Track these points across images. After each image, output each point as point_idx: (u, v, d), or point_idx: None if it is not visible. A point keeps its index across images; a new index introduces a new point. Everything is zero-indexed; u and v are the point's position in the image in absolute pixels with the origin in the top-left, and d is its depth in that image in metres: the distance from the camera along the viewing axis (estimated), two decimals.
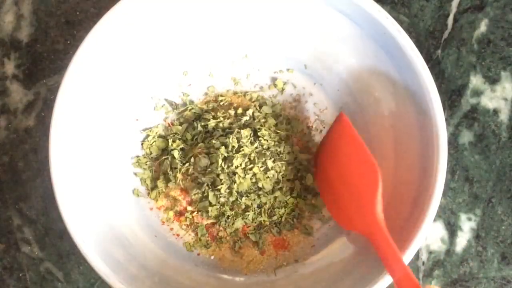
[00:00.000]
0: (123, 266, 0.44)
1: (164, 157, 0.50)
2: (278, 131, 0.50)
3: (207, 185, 0.49)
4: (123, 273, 0.43)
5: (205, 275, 0.49)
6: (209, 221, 0.50)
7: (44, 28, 0.54)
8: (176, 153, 0.49)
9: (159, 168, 0.51)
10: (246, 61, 0.53)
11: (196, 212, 0.50)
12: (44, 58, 0.54)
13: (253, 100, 0.53)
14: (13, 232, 0.53)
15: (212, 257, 0.50)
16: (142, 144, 0.51)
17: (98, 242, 0.43)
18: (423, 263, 0.52)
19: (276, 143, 0.49)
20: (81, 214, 0.43)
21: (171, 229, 0.51)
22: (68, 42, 0.54)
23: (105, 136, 0.48)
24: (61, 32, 0.55)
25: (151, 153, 0.51)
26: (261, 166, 0.48)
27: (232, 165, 0.47)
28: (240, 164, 0.48)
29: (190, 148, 0.50)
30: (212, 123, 0.50)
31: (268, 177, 0.48)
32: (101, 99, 0.47)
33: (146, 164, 0.51)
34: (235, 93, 0.53)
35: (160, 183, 0.50)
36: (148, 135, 0.51)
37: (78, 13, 0.55)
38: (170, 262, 0.48)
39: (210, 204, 0.49)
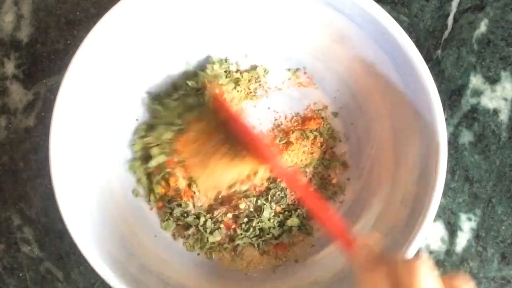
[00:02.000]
0: (123, 266, 0.44)
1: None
2: None
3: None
4: (123, 273, 0.43)
5: (205, 275, 0.49)
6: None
7: (44, 28, 0.54)
8: (154, 162, 0.49)
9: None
10: (246, 61, 0.53)
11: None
12: (44, 58, 0.54)
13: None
14: (13, 232, 0.53)
15: (212, 257, 0.50)
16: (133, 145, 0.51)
17: (98, 242, 0.43)
18: None
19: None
20: (81, 214, 0.43)
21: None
22: (68, 42, 0.54)
23: (105, 136, 0.48)
24: (61, 32, 0.55)
25: (142, 156, 0.50)
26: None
27: None
28: None
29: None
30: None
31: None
32: (101, 99, 0.47)
33: (140, 167, 0.50)
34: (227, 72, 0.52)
35: (156, 187, 0.50)
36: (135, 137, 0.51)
37: (78, 13, 0.55)
38: (170, 262, 0.48)
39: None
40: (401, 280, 0.32)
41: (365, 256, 0.36)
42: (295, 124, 0.52)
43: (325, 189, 0.51)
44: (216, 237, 0.49)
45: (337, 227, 0.39)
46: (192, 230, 0.49)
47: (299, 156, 0.51)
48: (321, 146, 0.51)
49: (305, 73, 0.53)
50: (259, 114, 0.52)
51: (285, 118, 0.52)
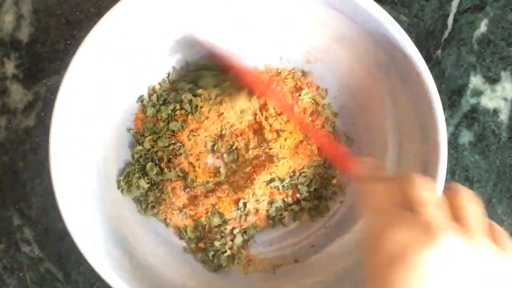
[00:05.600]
0: (123, 266, 0.44)
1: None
2: None
3: None
4: (123, 273, 0.43)
5: (205, 275, 0.49)
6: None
7: (44, 28, 0.54)
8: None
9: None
10: (246, 60, 0.53)
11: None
12: (44, 58, 0.54)
13: None
14: (13, 232, 0.53)
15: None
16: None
17: (98, 242, 0.43)
18: None
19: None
20: (81, 214, 0.43)
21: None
22: (68, 42, 0.54)
23: (105, 136, 0.48)
24: (61, 32, 0.55)
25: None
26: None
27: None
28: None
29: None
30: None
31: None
32: (101, 99, 0.47)
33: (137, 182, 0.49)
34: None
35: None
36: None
37: (78, 13, 0.55)
38: (170, 262, 0.48)
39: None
40: (404, 193, 0.32)
41: (368, 170, 0.36)
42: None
43: (325, 189, 0.51)
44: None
45: (335, 148, 0.40)
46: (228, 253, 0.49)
47: (303, 156, 0.51)
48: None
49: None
50: None
51: None
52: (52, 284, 0.52)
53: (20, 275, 0.52)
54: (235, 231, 0.50)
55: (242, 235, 0.50)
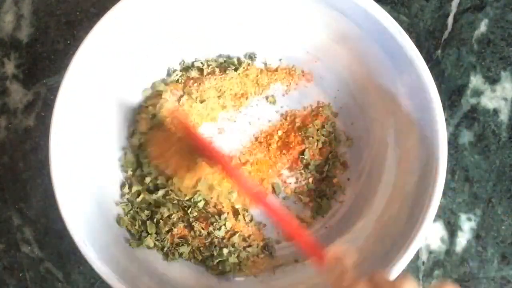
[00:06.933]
0: (123, 266, 0.44)
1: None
2: None
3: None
4: (123, 273, 0.43)
5: (205, 275, 0.49)
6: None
7: (44, 28, 0.54)
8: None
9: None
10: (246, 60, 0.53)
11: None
12: (44, 58, 0.54)
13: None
14: (13, 232, 0.53)
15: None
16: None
17: (98, 242, 0.43)
18: (423, 263, 0.52)
19: None
20: (81, 214, 0.43)
21: None
22: (68, 42, 0.54)
23: (105, 136, 0.48)
24: (61, 32, 0.55)
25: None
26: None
27: None
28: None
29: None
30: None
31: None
32: (101, 99, 0.47)
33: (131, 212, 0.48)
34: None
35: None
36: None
37: (78, 13, 0.55)
38: (170, 262, 0.48)
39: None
40: None
41: (337, 272, 0.35)
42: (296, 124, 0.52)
43: (325, 189, 0.51)
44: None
45: (307, 242, 0.39)
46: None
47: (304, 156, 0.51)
48: (329, 146, 0.52)
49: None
50: (258, 114, 0.52)
51: (285, 118, 0.52)
52: (52, 284, 0.52)
53: (20, 275, 0.52)
54: (253, 243, 0.50)
55: (262, 248, 0.50)
